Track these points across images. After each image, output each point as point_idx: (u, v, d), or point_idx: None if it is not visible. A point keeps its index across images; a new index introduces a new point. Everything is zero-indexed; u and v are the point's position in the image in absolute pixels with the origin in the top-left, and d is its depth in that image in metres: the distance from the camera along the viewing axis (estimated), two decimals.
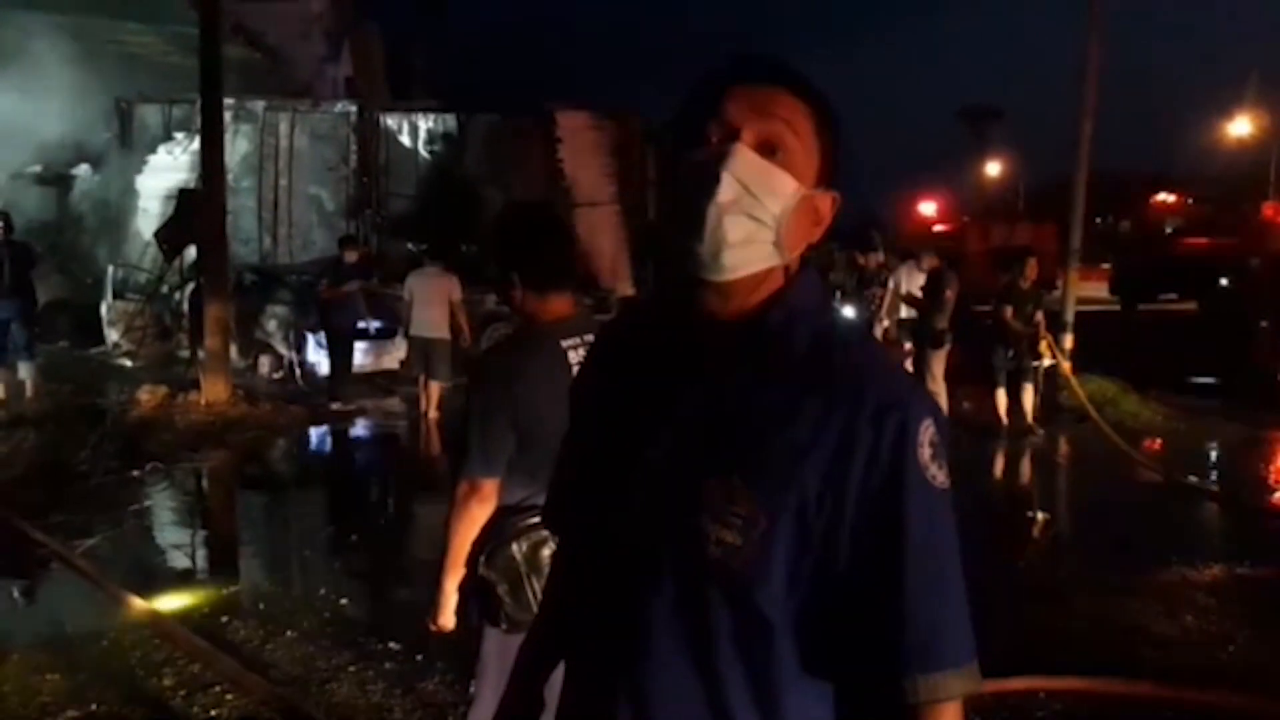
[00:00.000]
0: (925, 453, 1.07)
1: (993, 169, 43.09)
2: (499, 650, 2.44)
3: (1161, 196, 30.83)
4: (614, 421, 1.22)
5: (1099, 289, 20.30)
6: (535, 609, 2.08)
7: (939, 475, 1.08)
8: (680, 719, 1.11)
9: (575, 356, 2.36)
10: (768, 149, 1.11)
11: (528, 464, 2.36)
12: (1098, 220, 27.07)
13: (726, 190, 1.09)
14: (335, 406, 10.43)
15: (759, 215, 1.10)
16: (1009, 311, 9.21)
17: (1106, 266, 22.01)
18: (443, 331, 9.84)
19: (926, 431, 1.08)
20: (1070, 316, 11.07)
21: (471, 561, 2.37)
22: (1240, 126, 28.28)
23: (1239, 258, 18.08)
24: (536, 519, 2.23)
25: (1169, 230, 21.29)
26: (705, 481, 1.09)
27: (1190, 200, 30.18)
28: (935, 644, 1.06)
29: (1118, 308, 20.43)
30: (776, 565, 1.06)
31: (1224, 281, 17.95)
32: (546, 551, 2.19)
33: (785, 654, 1.09)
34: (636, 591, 1.13)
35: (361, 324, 11.05)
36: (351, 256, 10.81)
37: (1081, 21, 11.76)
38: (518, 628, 2.28)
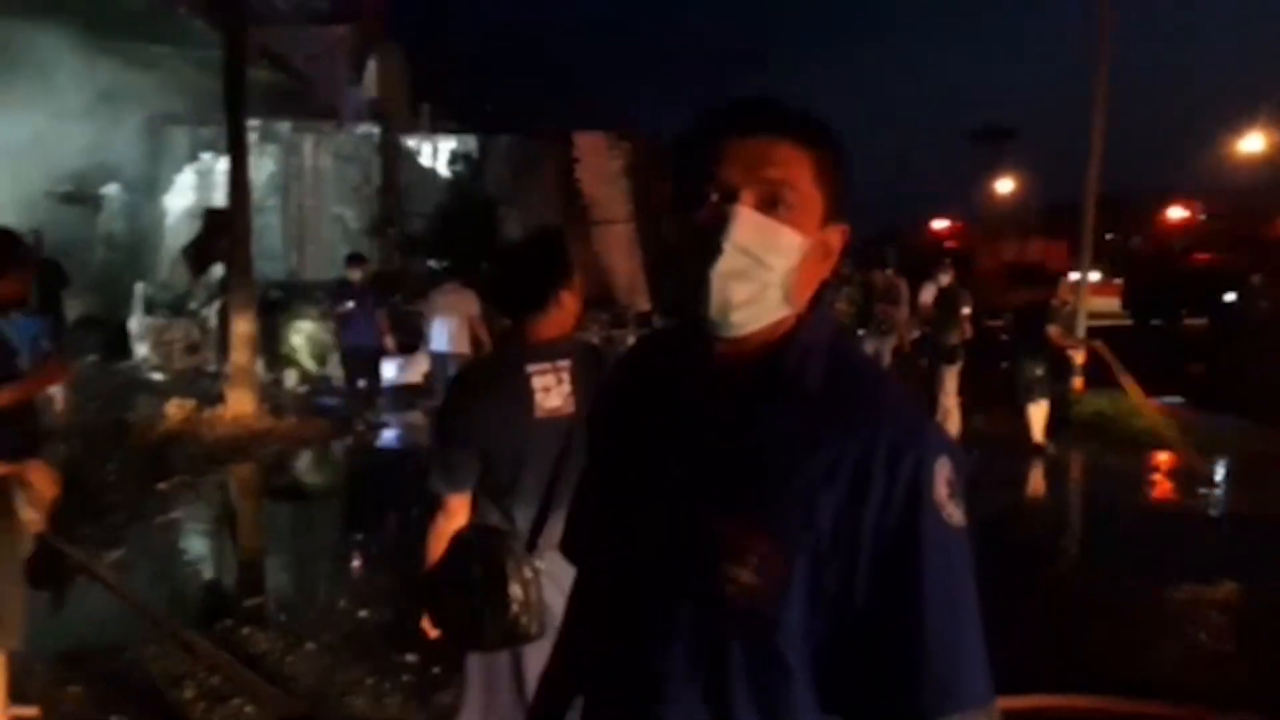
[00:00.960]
0: (942, 491, 1.06)
1: (1005, 186, 42.89)
2: (482, 665, 2.49)
3: (1173, 213, 30.59)
4: (632, 456, 1.22)
5: (1111, 303, 20.22)
6: (498, 628, 2.16)
7: (955, 514, 1.07)
8: None
9: (541, 381, 2.41)
10: (769, 204, 1.10)
11: (489, 486, 2.42)
12: (1109, 236, 26.94)
13: (729, 259, 1.08)
14: (359, 428, 10.46)
15: (764, 277, 1.10)
16: (1054, 330, 9.13)
17: (1118, 282, 21.93)
18: (463, 347, 9.99)
19: (943, 470, 1.07)
20: (1082, 332, 11.08)
21: (423, 577, 2.40)
22: (1252, 143, 28.03)
23: (1248, 274, 18.01)
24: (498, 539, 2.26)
25: (1180, 246, 21.23)
26: (722, 521, 1.08)
27: (1202, 216, 29.94)
28: (954, 684, 1.05)
29: (1130, 323, 20.37)
30: (794, 606, 1.06)
31: (1231, 297, 17.86)
32: (512, 567, 2.18)
33: (801, 694, 1.08)
34: (653, 630, 1.13)
35: (379, 341, 10.75)
36: (355, 274, 10.55)
37: (1093, 40, 11.84)
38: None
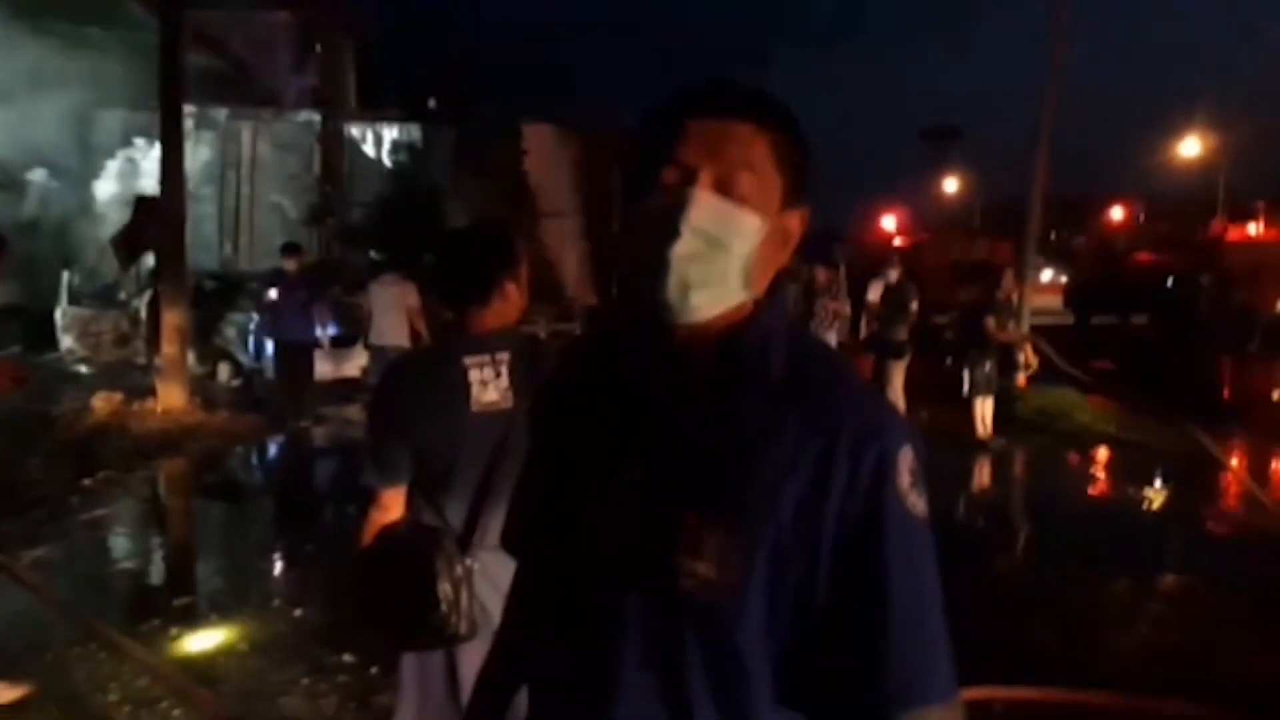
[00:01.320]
0: (905, 481, 1.05)
1: (951, 185, 43.68)
2: (415, 665, 2.42)
3: (1114, 213, 31.43)
4: (582, 447, 1.19)
5: (1053, 301, 20.63)
6: (428, 628, 2.08)
7: (918, 504, 1.06)
8: None
9: (478, 375, 2.33)
10: (728, 186, 1.08)
11: (422, 481, 2.35)
12: (1052, 235, 27.53)
13: (687, 242, 1.06)
14: (302, 424, 10.11)
15: (723, 261, 1.08)
16: (991, 322, 9.19)
17: (1061, 281, 22.40)
18: (401, 340, 9.84)
19: (905, 459, 1.06)
20: (1026, 329, 11.24)
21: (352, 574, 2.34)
22: (1190, 147, 28.88)
23: (1188, 272, 18.50)
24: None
25: (1122, 247, 21.77)
26: (679, 513, 1.06)
27: (1141, 217, 30.80)
28: (919, 677, 1.04)
29: (1071, 321, 20.80)
30: (753, 599, 1.04)
31: (1171, 293, 18.36)
32: (442, 565, 2.11)
33: (760, 689, 1.06)
34: (604, 627, 1.10)
35: (314, 335, 10.33)
36: (291, 265, 10.14)
37: (1039, 44, 12.02)
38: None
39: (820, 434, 1.04)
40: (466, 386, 2.31)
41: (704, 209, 1.06)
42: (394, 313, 9.84)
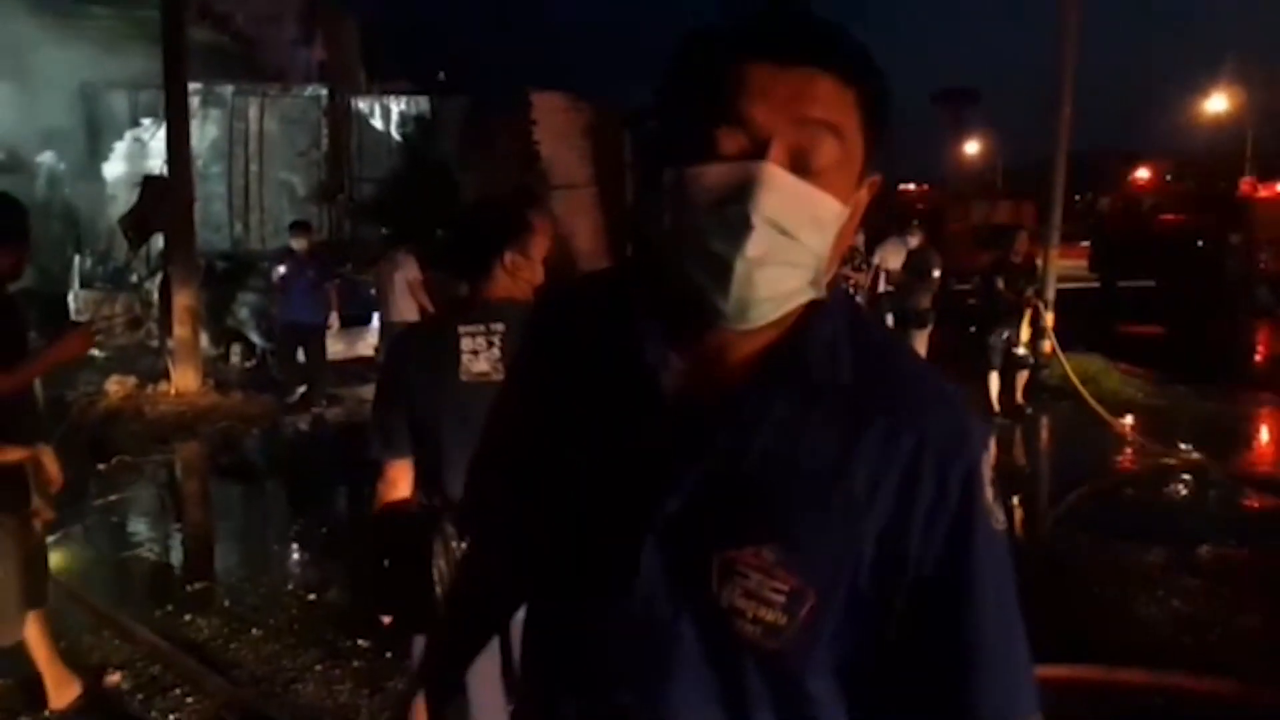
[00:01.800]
0: (989, 494, 0.94)
1: (971, 148, 43.29)
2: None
3: (1139, 174, 30.93)
4: (593, 453, 0.98)
5: (1079, 266, 20.33)
6: (426, 610, 2.02)
7: (1000, 516, 0.96)
8: None
9: (470, 344, 2.29)
10: (804, 160, 0.85)
11: (420, 454, 2.32)
12: (1076, 198, 27.12)
13: (759, 242, 0.84)
14: (312, 405, 9.92)
15: (798, 259, 0.87)
16: (1000, 283, 8.89)
17: (1085, 244, 22.05)
18: (407, 314, 9.76)
19: (988, 469, 0.95)
20: (1051, 294, 11.02)
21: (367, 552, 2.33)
22: (1216, 103, 28.38)
23: (1216, 233, 18.13)
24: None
25: (1147, 207, 21.35)
26: (736, 551, 0.90)
27: (1168, 177, 30.30)
28: (1013, 693, 0.96)
29: (1097, 284, 20.48)
30: (825, 644, 0.93)
31: (1199, 254, 18.03)
32: (438, 546, 2.08)
33: None
34: (656, 672, 0.95)
35: (325, 315, 10.04)
36: (300, 244, 9.86)
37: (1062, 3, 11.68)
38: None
39: (902, 454, 0.91)
40: (457, 356, 2.26)
41: (780, 192, 0.84)
42: (401, 290, 9.78)
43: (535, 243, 2.36)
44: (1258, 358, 12.17)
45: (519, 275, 2.35)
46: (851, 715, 0.97)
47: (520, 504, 1.07)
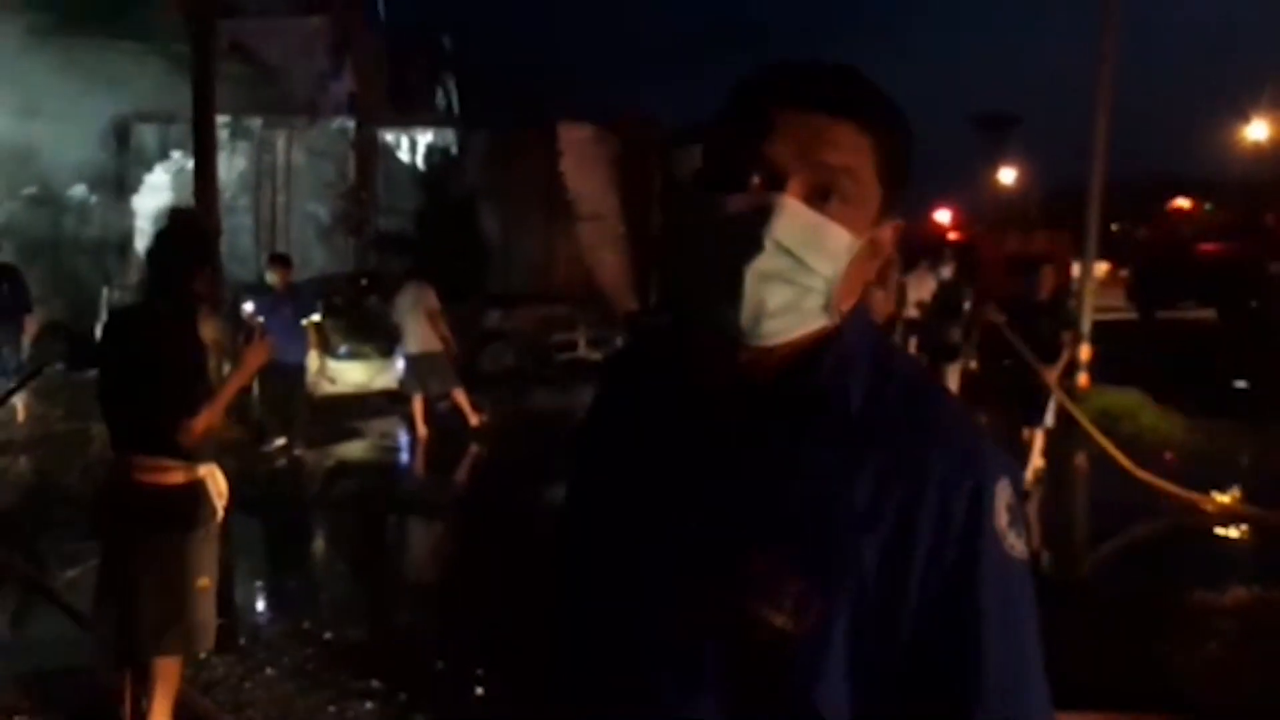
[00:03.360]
0: (1003, 519, 0.95)
1: (1007, 176, 42.81)
2: None
3: (1178, 202, 30.60)
4: (635, 484, 1.07)
5: (1115, 296, 20.05)
6: None
7: (1017, 544, 0.96)
8: None
9: None
10: (820, 195, 0.94)
11: None
12: (1114, 227, 26.79)
13: (768, 259, 0.93)
14: (277, 446, 9.28)
15: (806, 281, 0.95)
16: (991, 309, 8.03)
17: (1123, 274, 21.76)
18: (428, 345, 9.70)
19: (1003, 495, 0.96)
20: (1087, 325, 10.81)
21: None
22: (1257, 130, 27.98)
23: (1257, 264, 17.80)
24: None
25: (1186, 236, 21.02)
26: (750, 559, 0.96)
27: (1207, 206, 29.95)
28: None
29: (1135, 315, 20.20)
30: (833, 653, 0.94)
31: (1240, 284, 17.70)
32: None
33: None
34: (678, 680, 0.99)
35: (303, 354, 9.46)
36: (275, 278, 9.28)
37: (1097, 26, 11.57)
38: None
39: (905, 473, 0.95)
40: None
41: (791, 221, 0.93)
42: (418, 320, 9.72)
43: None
44: None
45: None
46: None
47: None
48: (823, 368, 1.00)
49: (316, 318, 10.41)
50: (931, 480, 0.94)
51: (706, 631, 0.97)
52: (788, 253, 0.93)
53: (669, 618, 1.00)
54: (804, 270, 0.94)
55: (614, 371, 1.27)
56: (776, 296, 0.95)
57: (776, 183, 0.94)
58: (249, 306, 9.26)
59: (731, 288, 0.94)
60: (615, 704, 1.06)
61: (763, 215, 0.93)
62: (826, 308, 0.97)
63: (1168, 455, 9.03)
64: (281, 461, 9.26)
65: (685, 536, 0.99)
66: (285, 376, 9.07)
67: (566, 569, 1.21)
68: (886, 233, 1.02)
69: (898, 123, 0.99)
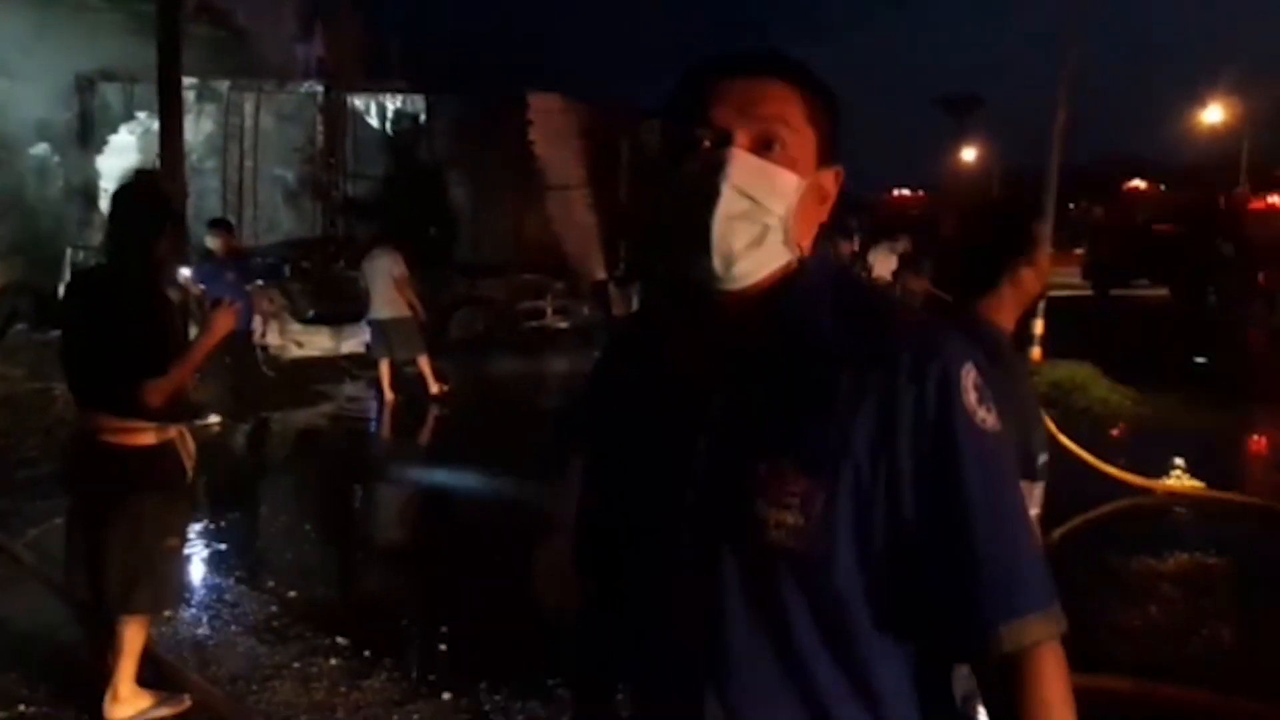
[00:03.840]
0: (971, 397, 1.06)
1: (969, 155, 43.25)
2: None
3: (1135, 183, 31.05)
4: (645, 429, 1.19)
5: (1072, 274, 20.34)
6: None
7: (988, 419, 1.07)
8: (771, 711, 1.08)
9: None
10: (763, 145, 1.09)
11: None
12: (1071, 206, 27.14)
13: (729, 202, 1.07)
14: (210, 423, 8.88)
15: (765, 219, 1.09)
16: (909, 277, 8.42)
17: (1079, 252, 22.10)
18: (396, 310, 9.72)
19: (968, 376, 1.07)
20: (1042, 301, 11.00)
21: None
22: (1212, 114, 28.48)
23: (1210, 245, 18.15)
24: None
25: (1141, 217, 21.38)
26: (755, 467, 1.06)
27: (1162, 187, 30.40)
28: (1013, 589, 1.04)
29: (1090, 293, 20.51)
30: (842, 538, 1.04)
31: (1193, 264, 18.05)
32: None
33: (867, 627, 1.06)
34: (703, 592, 1.10)
35: (249, 322, 9.11)
36: (216, 243, 8.98)
37: (1061, 10, 11.71)
38: None
39: (879, 365, 1.05)
40: None
41: (743, 167, 1.08)
42: (385, 286, 9.73)
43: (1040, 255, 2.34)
44: (1254, 368, 12.13)
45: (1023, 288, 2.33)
46: (882, 625, 1.06)
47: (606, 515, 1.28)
48: (793, 299, 1.13)
49: (260, 283, 10.35)
50: (902, 370, 1.04)
51: (721, 537, 1.08)
52: (745, 195, 1.07)
53: (687, 530, 1.10)
54: (761, 210, 1.08)
55: (616, 338, 1.42)
56: (742, 236, 1.08)
57: (724, 140, 1.08)
58: (186, 273, 8.86)
59: (702, 236, 1.07)
60: (640, 615, 1.19)
61: (718, 167, 1.07)
62: (786, 242, 1.11)
63: (1117, 429, 9.25)
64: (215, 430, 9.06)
65: (699, 460, 1.10)
66: (230, 344, 8.24)
67: (589, 501, 1.33)
68: (829, 178, 1.16)
69: (818, 80, 1.14)
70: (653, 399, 1.18)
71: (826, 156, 1.15)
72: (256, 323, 9.74)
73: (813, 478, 1.04)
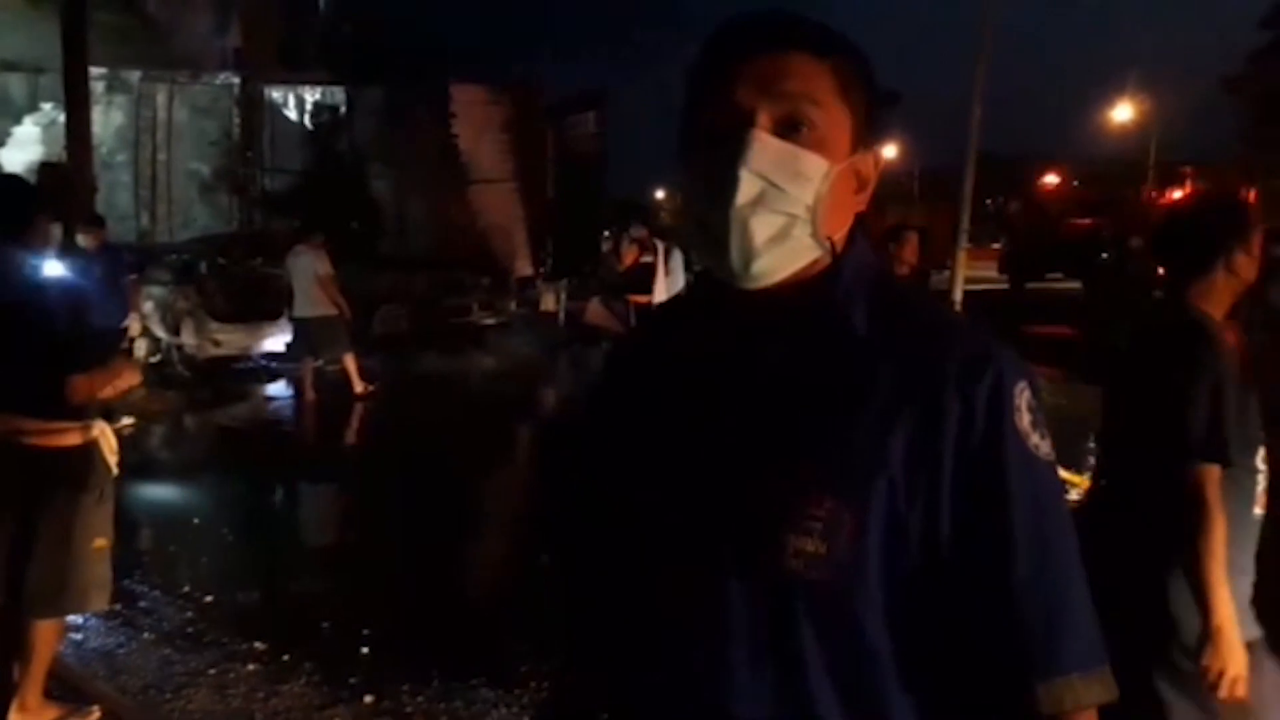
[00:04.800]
0: (1025, 419, 0.94)
1: (889, 152, 44.09)
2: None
3: (1049, 179, 32.01)
4: (651, 430, 1.06)
5: (989, 268, 20.86)
6: None
7: (1043, 445, 0.95)
8: None
9: None
10: (789, 127, 0.96)
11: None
12: (989, 201, 27.86)
13: (747, 189, 0.95)
14: (123, 424, 8.35)
15: (790, 209, 0.96)
16: None
17: (997, 246, 22.68)
18: (320, 309, 9.55)
19: (1023, 394, 0.95)
20: (959, 295, 11.27)
21: None
22: (1122, 112, 29.51)
23: (1119, 237, 18.83)
24: None
25: (1055, 211, 22.08)
26: (773, 484, 0.94)
27: (1075, 183, 31.41)
28: (1057, 643, 0.92)
29: (1006, 286, 21.04)
30: (870, 570, 0.92)
31: (1104, 257, 18.67)
32: None
33: (889, 674, 0.94)
34: (706, 619, 0.97)
35: (122, 319, 9.07)
36: (89, 240, 8.84)
37: (978, 7, 11.98)
38: None
39: (923, 372, 0.94)
40: None
41: (763, 151, 0.95)
42: (309, 284, 9.56)
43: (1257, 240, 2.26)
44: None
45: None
46: (902, 663, 0.94)
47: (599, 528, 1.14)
48: (827, 297, 1.00)
49: (134, 277, 10.08)
50: (949, 381, 0.93)
51: (733, 567, 0.96)
52: (766, 181, 0.95)
53: (695, 557, 0.98)
54: (785, 197, 0.96)
55: (628, 341, 1.31)
56: (764, 228, 0.95)
57: (745, 122, 0.96)
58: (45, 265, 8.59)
59: (722, 228, 0.96)
60: (639, 643, 1.06)
61: (736, 152, 0.95)
62: (815, 235, 0.98)
63: None
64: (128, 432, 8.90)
65: (706, 471, 0.98)
66: (103, 342, 8.69)
67: (580, 517, 1.20)
68: (868, 160, 1.03)
69: (850, 48, 1.01)
70: (659, 404, 1.07)
71: (863, 137, 1.01)
72: (133, 321, 9.51)
73: (840, 499, 0.92)
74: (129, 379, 3.62)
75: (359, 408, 9.89)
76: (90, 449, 3.38)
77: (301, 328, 9.79)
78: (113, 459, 3.47)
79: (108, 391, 3.52)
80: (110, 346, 8.31)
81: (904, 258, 7.09)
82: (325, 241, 9.90)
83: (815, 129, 0.97)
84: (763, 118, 0.96)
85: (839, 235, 1.01)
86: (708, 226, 0.98)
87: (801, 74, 0.96)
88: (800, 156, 0.96)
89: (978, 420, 0.92)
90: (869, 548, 0.92)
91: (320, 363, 9.94)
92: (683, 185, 1.02)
